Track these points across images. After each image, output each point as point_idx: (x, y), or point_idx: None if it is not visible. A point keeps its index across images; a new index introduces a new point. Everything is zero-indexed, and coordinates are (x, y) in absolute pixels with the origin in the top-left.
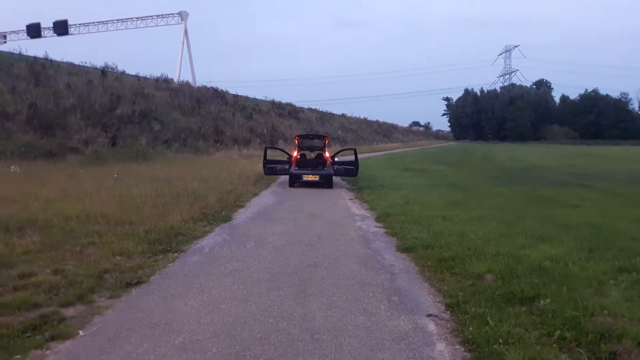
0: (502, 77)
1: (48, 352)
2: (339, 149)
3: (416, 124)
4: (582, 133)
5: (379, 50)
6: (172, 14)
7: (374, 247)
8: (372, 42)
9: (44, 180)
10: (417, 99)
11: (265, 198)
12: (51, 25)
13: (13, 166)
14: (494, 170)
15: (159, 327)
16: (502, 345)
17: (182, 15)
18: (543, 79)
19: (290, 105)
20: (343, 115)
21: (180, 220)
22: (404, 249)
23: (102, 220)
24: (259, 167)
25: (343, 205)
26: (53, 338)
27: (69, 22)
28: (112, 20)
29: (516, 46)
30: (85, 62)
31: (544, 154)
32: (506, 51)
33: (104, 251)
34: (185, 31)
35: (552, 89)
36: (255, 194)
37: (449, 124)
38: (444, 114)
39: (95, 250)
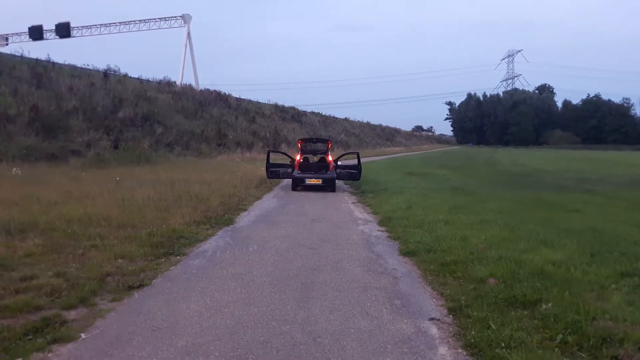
0: (505, 82)
1: (50, 354)
2: (342, 152)
3: (419, 128)
4: (584, 138)
5: (382, 54)
6: (175, 17)
7: (376, 250)
8: (375, 46)
9: (45, 182)
10: (420, 103)
11: (268, 201)
12: (53, 27)
13: (15, 169)
14: (496, 174)
15: (161, 331)
16: (504, 349)
17: (185, 19)
18: (546, 84)
19: (293, 108)
20: (346, 119)
21: (183, 223)
22: (407, 252)
23: (104, 223)
24: (262, 170)
25: (346, 209)
26: (55, 341)
27: (72, 25)
28: (114, 23)
29: (519, 51)
30: (88, 65)
31: (546, 158)
32: (509, 56)
33: (106, 254)
34: (188, 34)
35: (555, 93)
36: (258, 198)
37: (451, 128)
38: (446, 119)
39: (98, 253)
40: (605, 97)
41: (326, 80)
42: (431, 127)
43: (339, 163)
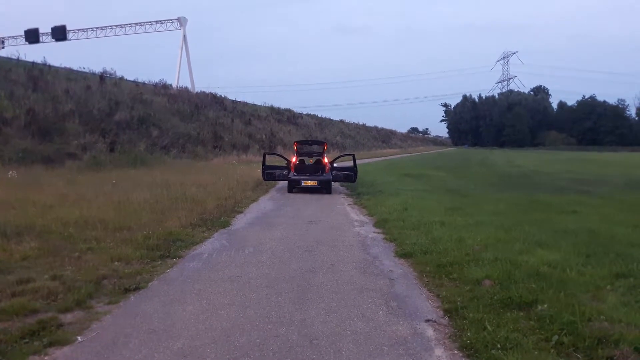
0: (500, 84)
1: (46, 358)
2: (338, 154)
3: (415, 130)
4: (579, 139)
5: (377, 57)
6: (171, 20)
7: (372, 252)
8: (370, 48)
9: (42, 185)
10: (416, 105)
11: (264, 204)
12: (50, 30)
13: (11, 172)
14: (492, 176)
15: (157, 333)
16: (500, 351)
17: (181, 21)
18: (541, 86)
19: (289, 111)
20: (342, 121)
21: (179, 225)
22: (403, 254)
23: (100, 226)
24: (258, 172)
25: (342, 211)
26: (51, 344)
27: (68, 28)
28: (110, 26)
29: (514, 53)
30: (84, 68)
31: (542, 159)
32: (504, 57)
33: (102, 257)
34: (184, 37)
35: (550, 95)
36: (254, 200)
37: (447, 130)
38: (442, 120)
39: (94, 256)
40: (600, 98)
41: (322, 83)
42: (427, 128)
43: (334, 165)
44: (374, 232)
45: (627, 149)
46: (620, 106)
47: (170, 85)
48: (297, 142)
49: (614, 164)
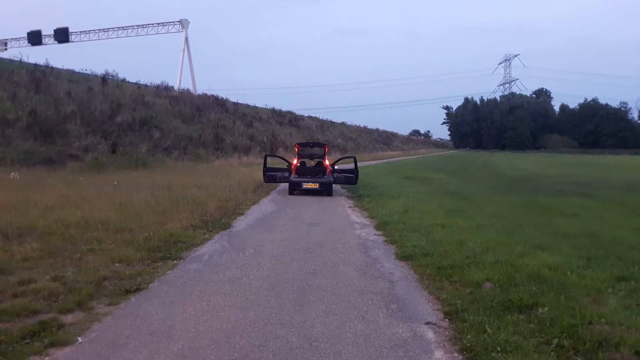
0: (502, 86)
1: (47, 358)
2: (339, 157)
3: (416, 132)
4: (581, 142)
5: (379, 59)
6: (173, 22)
7: (373, 254)
8: (372, 50)
9: (43, 187)
10: (417, 107)
11: (265, 206)
12: (52, 32)
13: (13, 173)
14: (493, 179)
15: (157, 334)
16: (500, 353)
17: (183, 24)
18: (543, 88)
19: (290, 113)
20: (343, 124)
21: (180, 227)
22: (403, 256)
23: (101, 227)
24: (259, 174)
25: (342, 213)
26: (52, 344)
27: (70, 30)
28: (113, 28)
29: (516, 55)
30: (86, 70)
31: (543, 162)
32: (506, 60)
33: (103, 258)
34: (186, 39)
35: (552, 98)
36: (254, 202)
37: (448, 133)
38: (443, 123)
39: (95, 257)
40: (602, 101)
41: (323, 85)
42: (428, 131)
43: (336, 167)
44: (375, 235)
45: (629, 152)
46: (622, 109)
47: (172, 87)
48: (298, 144)
49: (615, 167)
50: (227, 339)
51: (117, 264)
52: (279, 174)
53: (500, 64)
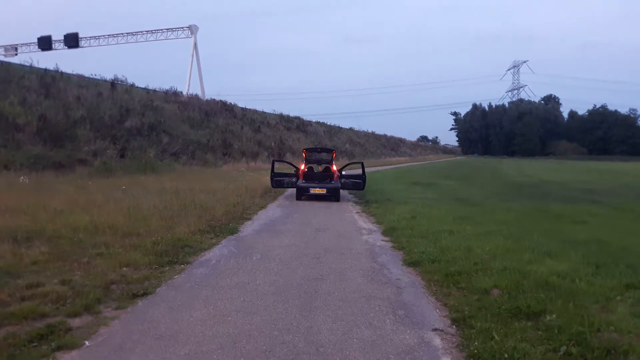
0: (510, 93)
1: None
2: (347, 162)
3: (424, 138)
4: (590, 149)
5: (387, 65)
6: (182, 28)
7: (380, 260)
8: (380, 57)
9: (52, 191)
10: (425, 113)
11: (272, 211)
12: (62, 38)
13: (22, 177)
14: (502, 185)
15: (164, 339)
16: None
17: (192, 29)
18: (551, 95)
19: (298, 118)
20: (351, 129)
21: (187, 232)
22: (411, 263)
23: (109, 231)
24: (267, 180)
25: (350, 219)
26: (59, 348)
27: (80, 35)
28: (122, 34)
29: (524, 61)
30: (95, 75)
31: (552, 169)
32: (514, 66)
33: (111, 262)
34: (195, 45)
35: (561, 104)
36: (262, 207)
37: (457, 139)
38: (452, 129)
39: (103, 261)
40: (611, 107)
41: (331, 91)
42: (436, 137)
43: (343, 173)
44: (382, 240)
45: (638, 159)
46: (631, 115)
47: (181, 92)
48: (305, 149)
49: (625, 173)
50: (234, 343)
51: (124, 268)
52: (286, 179)
53: (508, 70)
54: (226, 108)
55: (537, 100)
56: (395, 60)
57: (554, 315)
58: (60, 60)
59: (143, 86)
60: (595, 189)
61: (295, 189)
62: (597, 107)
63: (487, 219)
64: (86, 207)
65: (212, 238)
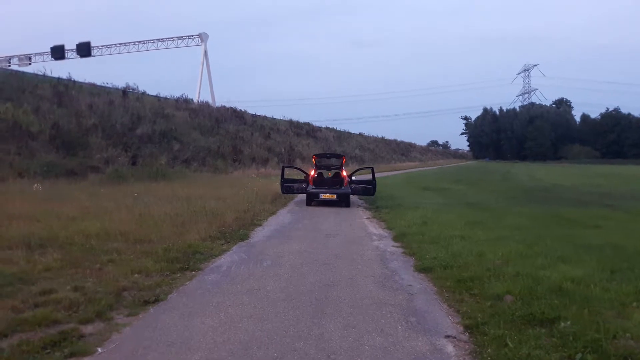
0: (521, 96)
1: None
2: (357, 168)
3: (434, 143)
4: (603, 152)
5: (396, 70)
6: (192, 36)
7: (391, 266)
8: (389, 62)
9: (65, 198)
10: (436, 118)
11: (283, 217)
12: (75, 47)
13: (36, 184)
14: (514, 189)
15: (176, 345)
16: None
17: (202, 37)
18: (563, 98)
19: (307, 124)
20: (361, 134)
21: (199, 238)
22: (422, 269)
23: (121, 238)
24: (277, 185)
25: (360, 224)
26: (72, 355)
27: (92, 44)
28: (133, 42)
29: (535, 65)
30: (107, 83)
31: (564, 173)
32: (525, 70)
33: (123, 269)
34: (205, 52)
35: (573, 107)
36: (272, 213)
37: (467, 143)
38: (462, 133)
39: (115, 268)
40: (624, 110)
41: (341, 96)
42: (447, 142)
43: (353, 178)
44: (393, 246)
45: None
46: None
47: (192, 99)
48: (315, 155)
49: (639, 177)
50: (245, 350)
51: (136, 275)
52: (296, 185)
53: (519, 74)
54: (236, 115)
55: (548, 103)
56: (405, 64)
57: (569, 322)
58: (73, 69)
59: (154, 94)
60: (609, 192)
61: (305, 195)
62: (610, 110)
63: (498, 224)
64: (98, 214)
65: (222, 244)
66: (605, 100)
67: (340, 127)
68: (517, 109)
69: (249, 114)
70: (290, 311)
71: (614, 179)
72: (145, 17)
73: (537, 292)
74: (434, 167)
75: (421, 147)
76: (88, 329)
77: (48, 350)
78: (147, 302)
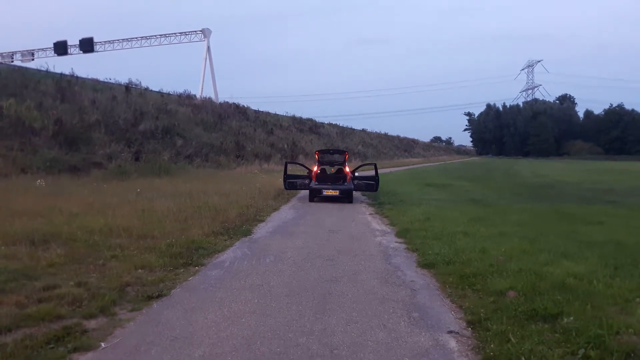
0: (524, 92)
1: None
2: (359, 163)
3: (437, 139)
4: (606, 149)
5: (400, 66)
6: (195, 32)
7: (394, 262)
8: (393, 58)
9: (68, 194)
10: (439, 114)
11: (285, 212)
12: (77, 42)
13: (39, 180)
14: (517, 186)
15: (179, 340)
16: None
17: (205, 33)
18: (566, 94)
19: (310, 120)
20: (363, 130)
21: (202, 234)
22: (425, 264)
23: (124, 233)
24: (279, 181)
25: (363, 220)
26: (75, 349)
27: (95, 40)
28: (136, 38)
29: (539, 61)
30: (110, 79)
31: (567, 169)
32: (529, 66)
33: (126, 264)
34: (208, 48)
35: (576, 104)
36: (275, 209)
37: (470, 139)
38: (465, 129)
39: (118, 264)
40: (628, 107)
41: (344, 92)
42: (450, 138)
43: (356, 174)
44: (396, 242)
45: None
46: None
47: (194, 95)
48: (318, 151)
49: None
50: (248, 345)
51: (139, 270)
52: (299, 181)
53: (522, 69)
54: (239, 110)
55: (552, 100)
56: (408, 60)
57: (572, 318)
58: (76, 64)
59: (157, 90)
60: (612, 189)
61: (308, 191)
62: (614, 106)
63: (501, 220)
64: (101, 209)
65: (225, 240)
66: (609, 96)
67: (343, 123)
68: (521, 105)
69: (251, 109)
70: (294, 306)
71: (617, 175)
72: (148, 12)
73: (540, 288)
74: (437, 163)
75: (424, 143)
76: (91, 324)
77: (52, 345)
78: (150, 298)
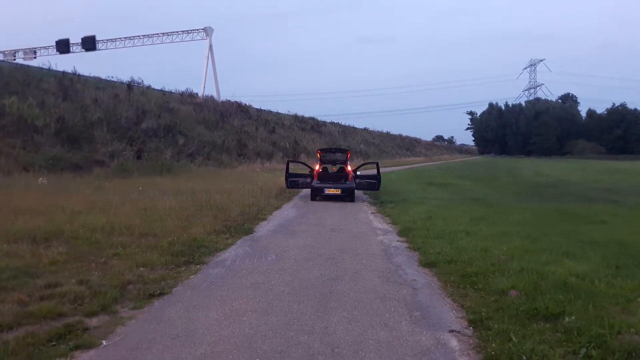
0: (527, 91)
1: None
2: (361, 162)
3: (440, 138)
4: (609, 148)
5: (402, 65)
6: (197, 30)
7: (395, 261)
8: (395, 57)
9: (70, 192)
10: (441, 113)
11: (287, 211)
12: (80, 41)
13: (41, 178)
14: (519, 185)
15: (180, 339)
16: None
17: (207, 31)
18: (569, 93)
19: (312, 119)
20: (365, 129)
21: (203, 232)
22: (426, 263)
23: (126, 232)
24: (281, 180)
25: (365, 219)
26: (77, 347)
27: (97, 38)
28: (138, 36)
29: (541, 60)
30: (112, 77)
31: (570, 169)
32: (531, 65)
33: (127, 262)
34: (210, 46)
35: (579, 103)
36: (277, 207)
37: (473, 138)
38: (467, 128)
39: (119, 262)
40: (631, 106)
41: (346, 91)
42: (452, 137)
43: (358, 173)
44: (398, 241)
45: None
46: None
47: (196, 94)
48: (320, 150)
49: None
50: (249, 344)
51: (141, 269)
52: (301, 180)
53: (525, 69)
54: (241, 109)
55: (554, 99)
56: (410, 60)
57: (573, 317)
58: (78, 62)
59: (159, 88)
60: (614, 188)
61: (309, 190)
62: (616, 105)
63: (503, 219)
64: (103, 208)
65: (227, 238)
66: (612, 95)
67: (345, 122)
68: (523, 104)
69: (253, 108)
70: (295, 305)
71: (620, 174)
72: (151, 11)
73: (542, 287)
74: (439, 162)
75: (426, 142)
76: (93, 322)
77: (53, 343)
78: (152, 296)
